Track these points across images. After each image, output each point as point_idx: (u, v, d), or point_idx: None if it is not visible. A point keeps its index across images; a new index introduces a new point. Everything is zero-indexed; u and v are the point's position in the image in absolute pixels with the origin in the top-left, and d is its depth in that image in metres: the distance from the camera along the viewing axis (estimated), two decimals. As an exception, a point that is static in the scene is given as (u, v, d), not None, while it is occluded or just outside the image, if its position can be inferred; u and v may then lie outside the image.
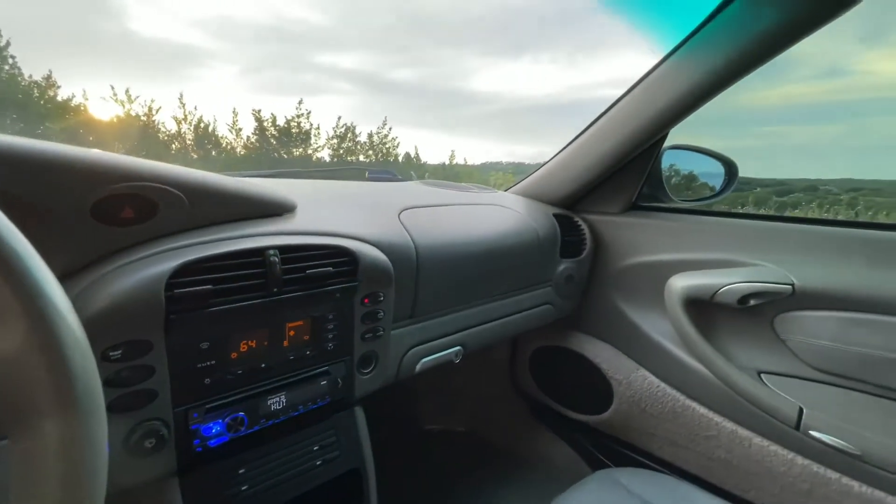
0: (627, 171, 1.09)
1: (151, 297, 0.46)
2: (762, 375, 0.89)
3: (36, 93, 6.22)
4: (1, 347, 0.23)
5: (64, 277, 0.45)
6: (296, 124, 9.88)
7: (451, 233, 0.84)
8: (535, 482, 1.22)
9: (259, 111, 9.53)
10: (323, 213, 0.70)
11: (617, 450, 1.16)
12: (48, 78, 6.21)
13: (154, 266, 0.47)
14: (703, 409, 0.95)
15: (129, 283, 0.45)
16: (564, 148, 1.15)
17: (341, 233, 0.66)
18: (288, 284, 0.57)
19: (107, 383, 0.45)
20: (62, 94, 6.40)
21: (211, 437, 0.54)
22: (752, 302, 0.87)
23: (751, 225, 0.95)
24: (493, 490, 1.20)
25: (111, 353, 0.45)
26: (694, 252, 0.98)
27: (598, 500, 0.77)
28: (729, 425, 0.92)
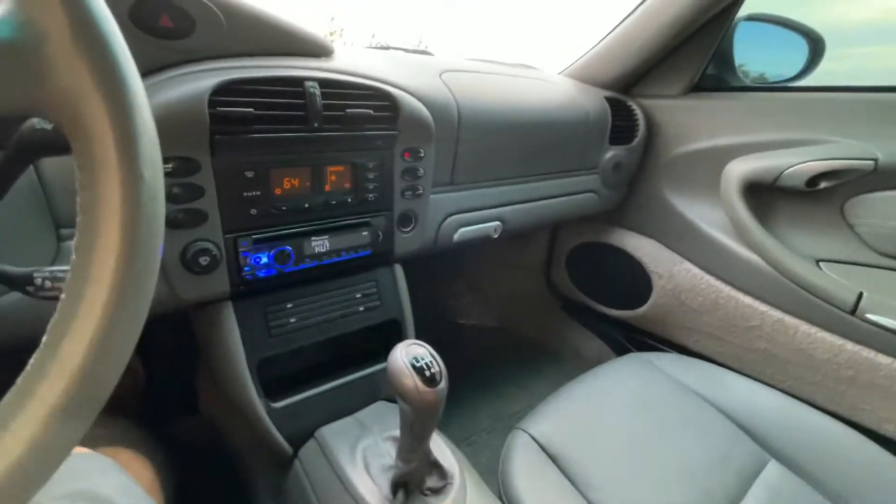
0: (690, 48, 0.97)
1: (195, 111, 0.47)
2: (821, 263, 0.84)
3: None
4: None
5: None
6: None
7: (496, 98, 0.79)
8: (565, 369, 1.26)
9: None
10: (363, 61, 0.66)
11: (651, 343, 1.16)
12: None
13: (197, 81, 0.48)
14: (748, 299, 0.92)
15: (174, 95, 0.46)
16: (620, 23, 1.03)
17: (382, 78, 0.63)
18: (328, 122, 0.56)
19: None
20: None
21: (259, 266, 0.57)
22: (823, 184, 0.80)
23: (826, 98, 0.84)
24: (525, 376, 1.25)
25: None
26: (758, 133, 0.89)
27: (629, 378, 0.78)
28: (775, 314, 0.88)
